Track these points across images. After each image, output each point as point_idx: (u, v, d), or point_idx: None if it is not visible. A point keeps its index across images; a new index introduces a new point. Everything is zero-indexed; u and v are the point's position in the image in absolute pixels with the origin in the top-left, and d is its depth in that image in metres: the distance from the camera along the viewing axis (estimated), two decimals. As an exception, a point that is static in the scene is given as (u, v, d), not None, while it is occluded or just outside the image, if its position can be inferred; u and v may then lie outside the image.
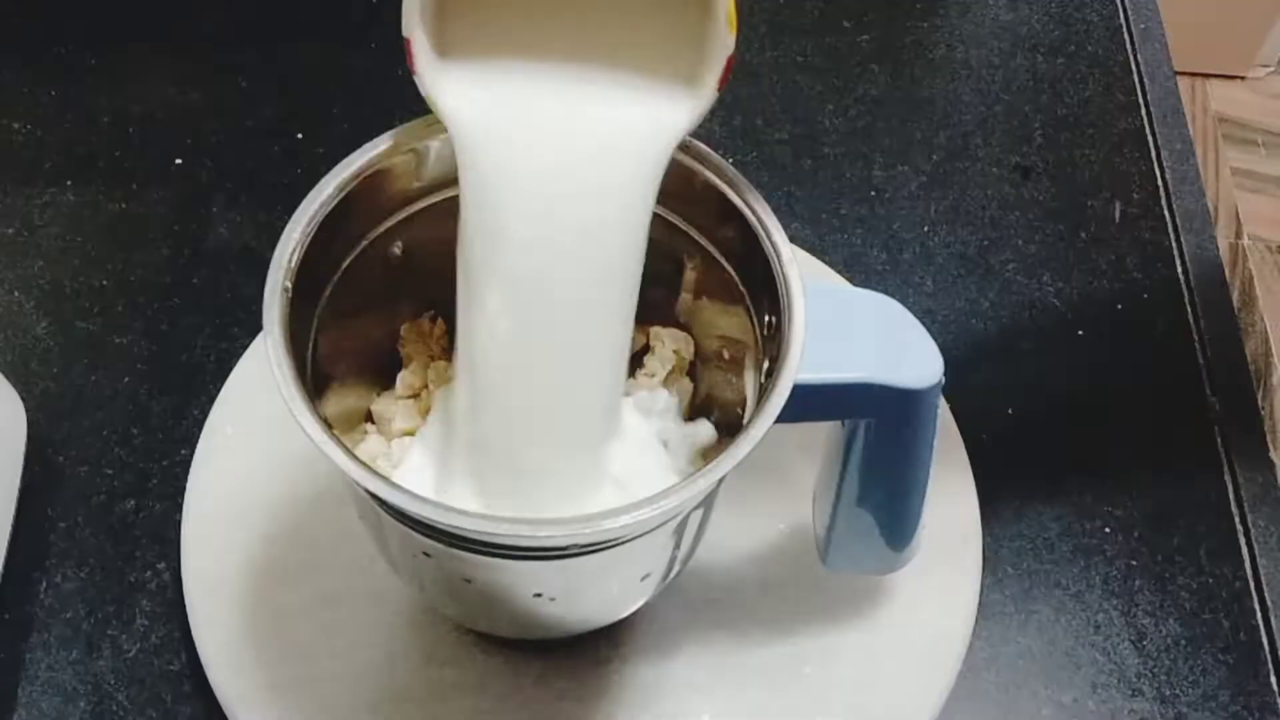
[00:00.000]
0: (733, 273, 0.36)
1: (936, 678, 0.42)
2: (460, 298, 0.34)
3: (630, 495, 0.31)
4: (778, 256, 0.34)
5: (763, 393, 0.32)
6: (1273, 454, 0.49)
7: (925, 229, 0.54)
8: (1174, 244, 0.54)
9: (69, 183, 0.53)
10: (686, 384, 0.40)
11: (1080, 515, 0.47)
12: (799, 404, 0.32)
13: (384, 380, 0.40)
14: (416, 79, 0.32)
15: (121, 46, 0.58)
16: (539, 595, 0.34)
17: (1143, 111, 0.58)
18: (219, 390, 0.46)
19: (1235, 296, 1.28)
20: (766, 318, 0.35)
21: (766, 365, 0.34)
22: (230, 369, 0.47)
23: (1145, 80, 0.59)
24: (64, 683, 0.42)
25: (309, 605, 0.42)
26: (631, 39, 0.32)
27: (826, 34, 0.60)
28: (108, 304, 0.50)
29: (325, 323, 0.36)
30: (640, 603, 0.39)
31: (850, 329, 0.34)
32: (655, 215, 0.37)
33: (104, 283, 0.51)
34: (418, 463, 0.36)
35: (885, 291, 0.51)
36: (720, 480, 0.32)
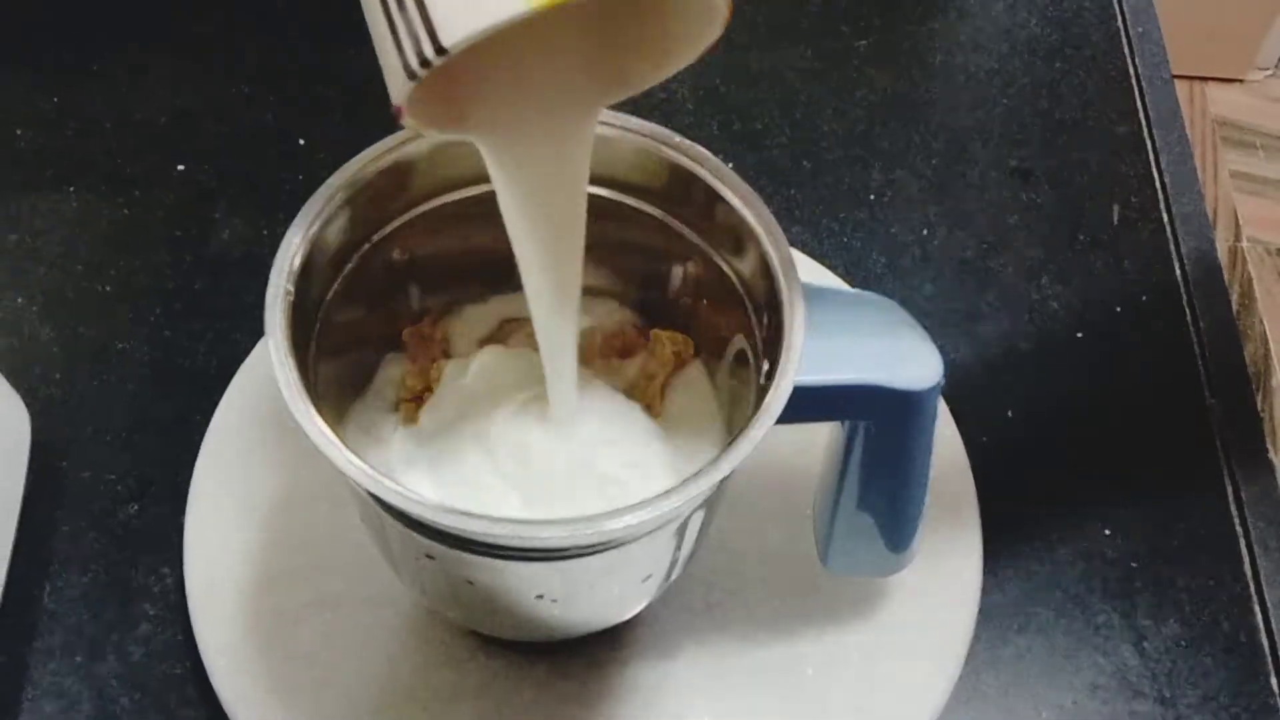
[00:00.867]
0: (732, 275, 0.36)
1: (937, 680, 0.42)
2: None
3: (630, 496, 0.32)
4: (777, 258, 0.34)
5: (762, 394, 0.32)
6: (1272, 456, 0.49)
7: (924, 232, 0.54)
8: (1172, 247, 0.54)
9: (71, 188, 0.54)
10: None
11: (1080, 517, 0.47)
12: (799, 405, 0.32)
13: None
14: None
15: (123, 51, 0.58)
16: (540, 597, 0.35)
17: (1141, 115, 0.58)
18: (221, 395, 0.46)
19: (1234, 299, 1.28)
20: (766, 319, 0.35)
21: (766, 367, 0.34)
22: (233, 373, 0.47)
23: (1143, 84, 0.59)
24: (67, 687, 0.42)
25: (311, 608, 0.42)
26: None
27: (825, 38, 0.60)
28: (110, 309, 0.50)
29: (327, 326, 0.36)
30: (642, 604, 0.39)
31: (849, 330, 0.34)
32: (654, 218, 0.38)
33: (106, 288, 0.51)
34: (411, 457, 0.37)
35: (884, 294, 0.52)
36: (722, 481, 0.32)
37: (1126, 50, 0.60)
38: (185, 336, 0.50)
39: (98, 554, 0.45)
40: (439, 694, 0.41)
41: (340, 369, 0.38)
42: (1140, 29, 0.61)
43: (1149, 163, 0.56)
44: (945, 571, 0.44)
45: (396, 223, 0.37)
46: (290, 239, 0.34)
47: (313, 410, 0.31)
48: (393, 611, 0.42)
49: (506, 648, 0.42)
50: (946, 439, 0.47)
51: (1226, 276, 0.55)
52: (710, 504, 0.35)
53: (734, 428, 0.37)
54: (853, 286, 0.51)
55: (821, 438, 0.39)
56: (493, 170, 0.33)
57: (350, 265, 0.36)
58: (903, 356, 0.34)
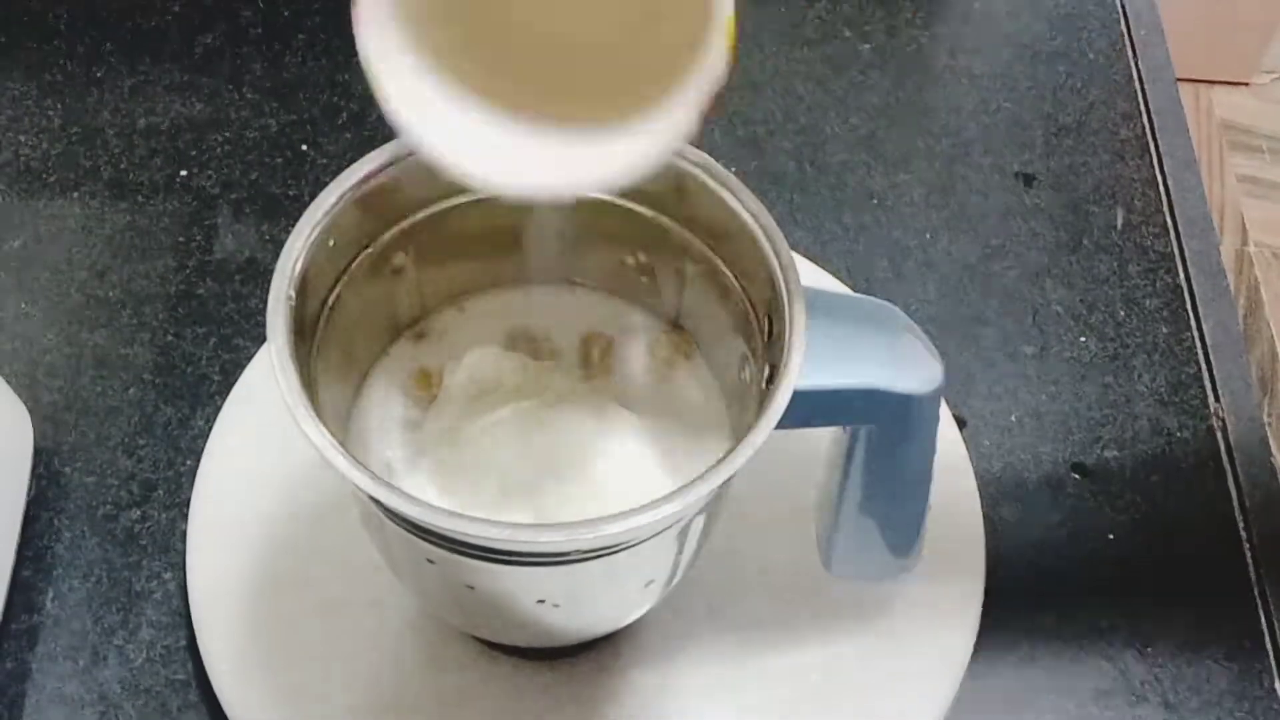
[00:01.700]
0: (733, 278, 0.36)
1: (941, 685, 0.42)
2: None
3: (630, 501, 0.32)
4: (778, 262, 0.34)
5: (763, 399, 0.32)
6: (1276, 460, 0.49)
7: (927, 237, 0.54)
8: (1176, 251, 0.54)
9: (75, 195, 0.54)
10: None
11: (1084, 521, 0.47)
12: (799, 410, 0.32)
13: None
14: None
15: (127, 59, 0.58)
16: (542, 602, 0.34)
17: (1144, 118, 0.58)
18: (224, 400, 0.46)
19: (1241, 303, 1.28)
20: (767, 323, 0.35)
21: (767, 371, 0.34)
22: (235, 379, 0.47)
23: (1147, 87, 0.59)
24: (70, 693, 0.42)
25: (314, 613, 0.42)
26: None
27: (828, 43, 0.60)
28: (114, 315, 0.50)
29: (329, 331, 0.36)
30: (644, 609, 0.39)
31: (850, 335, 0.34)
32: (654, 221, 0.38)
33: (110, 294, 0.51)
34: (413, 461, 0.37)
35: (887, 299, 0.52)
36: (723, 485, 0.32)
37: (1130, 53, 0.60)
38: (188, 342, 0.50)
39: (100, 559, 0.45)
40: (441, 699, 0.41)
41: (342, 373, 0.38)
42: (1143, 32, 0.61)
43: (1153, 166, 0.56)
44: (948, 577, 0.44)
45: (399, 227, 0.37)
46: (292, 244, 0.34)
47: (314, 415, 0.31)
48: (395, 616, 0.42)
49: (509, 653, 0.42)
50: (950, 444, 0.47)
51: (1233, 281, 0.55)
52: (712, 508, 0.35)
53: (738, 431, 0.37)
54: (855, 291, 0.51)
55: (823, 442, 0.39)
56: None
57: (352, 270, 0.37)
58: (903, 360, 0.34)
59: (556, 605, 0.35)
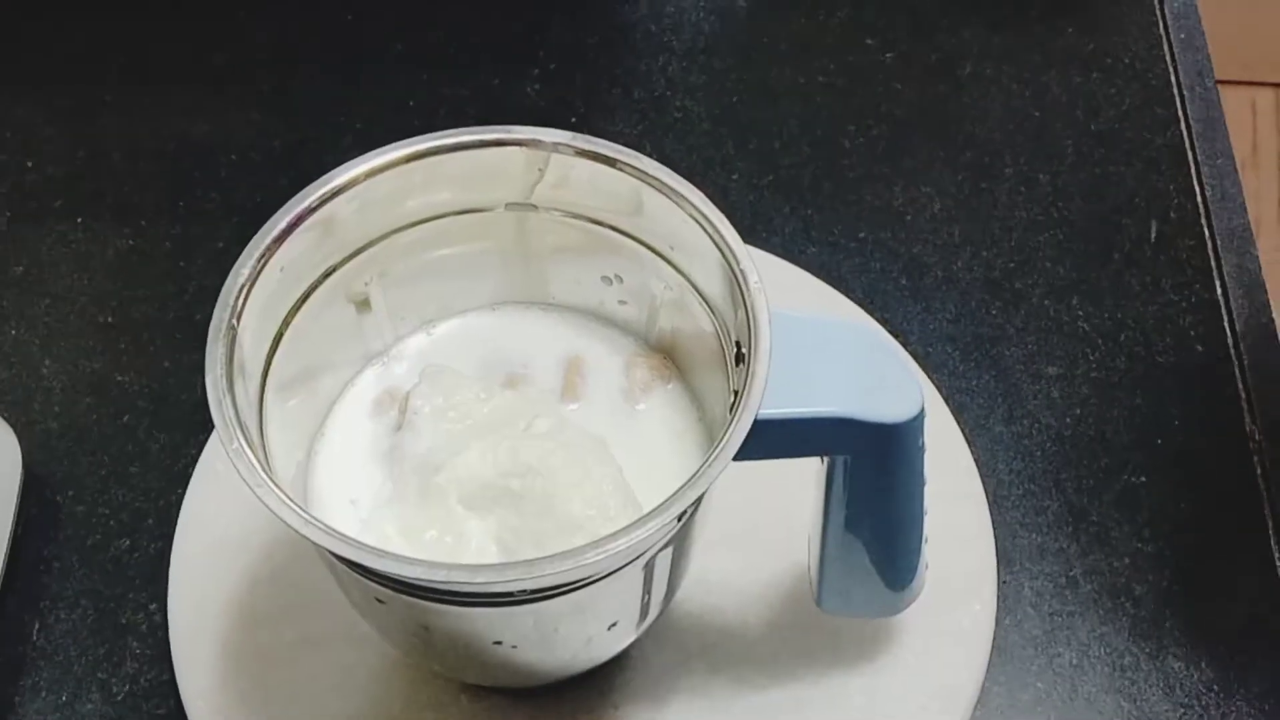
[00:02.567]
0: (704, 301, 0.35)
1: (947, 723, 0.40)
2: None
3: (591, 537, 0.30)
4: (745, 285, 0.32)
5: (725, 427, 0.31)
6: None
7: (948, 252, 0.52)
8: (1214, 265, 0.51)
9: (79, 219, 0.53)
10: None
11: (1107, 551, 0.45)
12: (764, 440, 0.31)
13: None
14: None
15: (135, 82, 0.58)
16: (499, 643, 0.33)
17: (1182, 125, 0.55)
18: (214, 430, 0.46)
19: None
20: (735, 348, 0.33)
21: (732, 399, 0.32)
22: (226, 406, 0.46)
23: (1184, 92, 0.56)
24: (50, 726, 0.42)
25: (293, 648, 0.41)
26: None
27: (849, 52, 0.58)
28: (111, 342, 0.50)
29: (288, 360, 0.35)
30: (618, 648, 0.37)
31: (823, 360, 0.32)
32: (631, 239, 0.36)
33: (109, 319, 0.51)
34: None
35: (905, 317, 0.50)
36: (680, 519, 0.31)
37: (1168, 57, 0.57)
38: (184, 369, 0.49)
39: (88, 590, 0.44)
40: (419, 737, 0.40)
41: (307, 400, 0.37)
42: (1182, 35, 0.58)
43: (1189, 175, 0.54)
44: (957, 609, 0.42)
45: (363, 254, 0.36)
46: (237, 273, 0.33)
47: (245, 445, 0.30)
48: (375, 652, 0.41)
49: (490, 691, 0.40)
50: (962, 470, 0.45)
51: (1275, 297, 0.52)
52: (680, 542, 0.34)
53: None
54: (871, 310, 0.49)
55: (819, 470, 0.37)
56: None
57: (312, 297, 0.35)
58: (878, 387, 0.32)
59: (515, 646, 0.33)
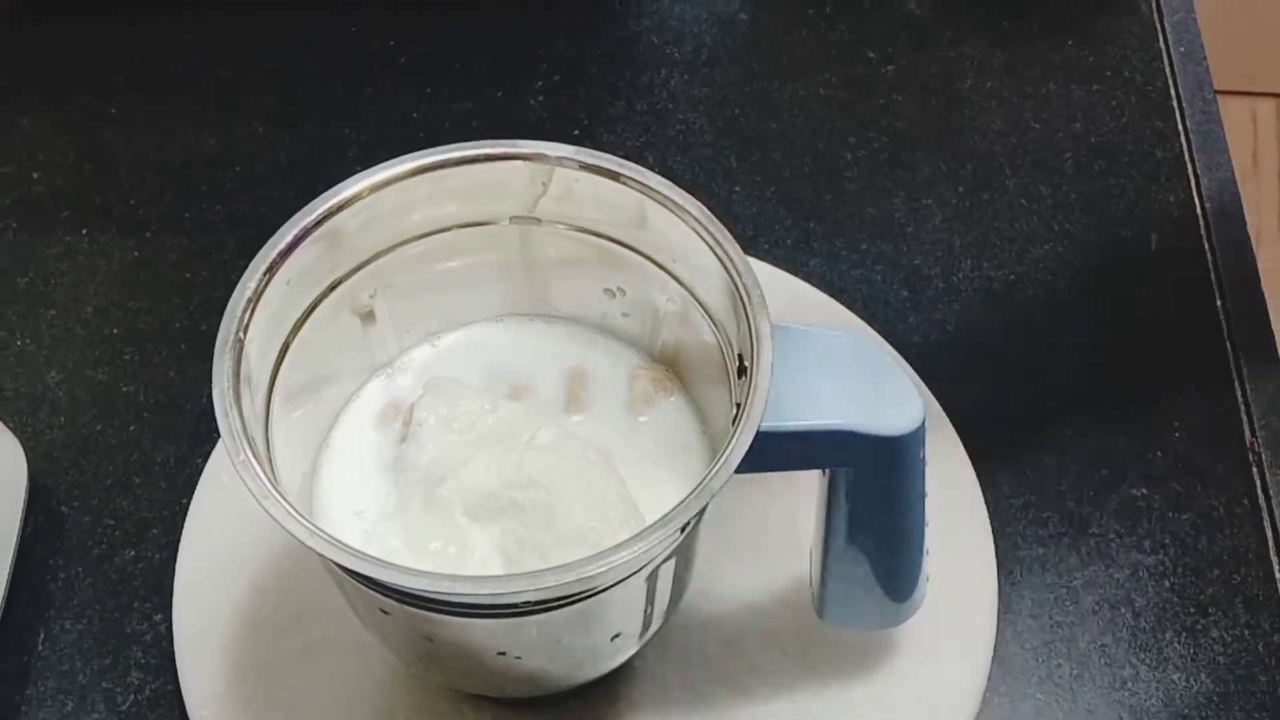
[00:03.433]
0: (706, 313, 0.35)
1: (946, 735, 0.40)
2: None
3: (595, 549, 0.30)
4: (747, 298, 0.33)
5: (728, 440, 0.31)
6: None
7: (949, 264, 0.52)
8: (1214, 277, 0.51)
9: (85, 231, 0.54)
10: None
11: (1107, 563, 0.45)
12: (766, 453, 0.31)
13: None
14: None
15: (142, 94, 0.58)
16: (503, 654, 0.33)
17: (1181, 138, 0.55)
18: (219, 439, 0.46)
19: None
20: (738, 361, 0.33)
21: (734, 411, 0.32)
22: (231, 417, 0.46)
23: (1184, 105, 0.56)
24: (55, 736, 0.42)
25: (297, 657, 0.41)
26: None
27: (850, 64, 0.58)
28: (116, 353, 0.50)
29: (294, 372, 0.35)
30: (622, 658, 0.37)
31: (825, 372, 0.33)
32: (634, 252, 0.36)
33: (114, 330, 0.51)
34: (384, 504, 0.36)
35: (906, 329, 0.50)
36: (683, 531, 0.31)
37: (1167, 70, 0.58)
38: (190, 380, 0.49)
39: (93, 600, 0.45)
40: (422, 748, 0.40)
41: (312, 412, 0.37)
42: (1182, 48, 0.58)
43: (1189, 188, 0.54)
44: (958, 620, 0.42)
45: (367, 267, 0.37)
46: (245, 284, 0.33)
47: (251, 456, 0.30)
48: (378, 662, 0.41)
49: (494, 701, 0.40)
50: (963, 482, 0.45)
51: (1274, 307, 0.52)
52: (683, 553, 0.34)
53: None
54: (872, 322, 0.49)
55: (819, 479, 0.37)
56: None
57: (318, 310, 0.36)
58: (879, 399, 0.32)
59: (519, 657, 0.33)
